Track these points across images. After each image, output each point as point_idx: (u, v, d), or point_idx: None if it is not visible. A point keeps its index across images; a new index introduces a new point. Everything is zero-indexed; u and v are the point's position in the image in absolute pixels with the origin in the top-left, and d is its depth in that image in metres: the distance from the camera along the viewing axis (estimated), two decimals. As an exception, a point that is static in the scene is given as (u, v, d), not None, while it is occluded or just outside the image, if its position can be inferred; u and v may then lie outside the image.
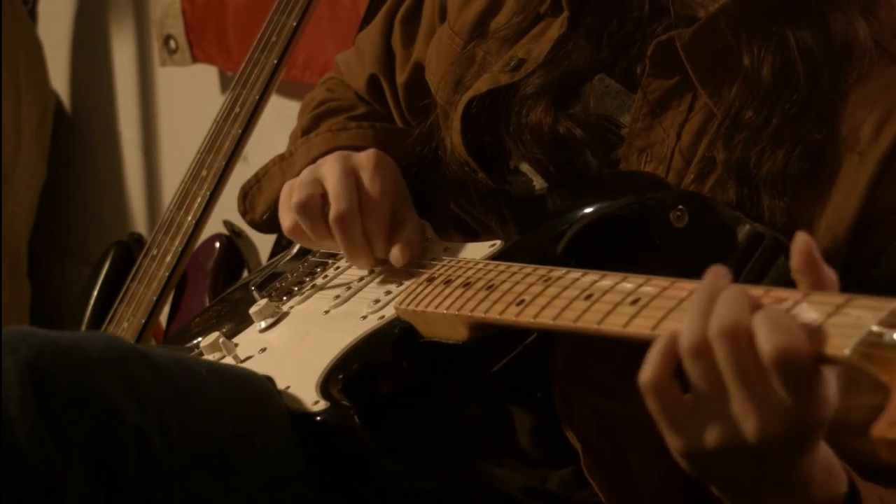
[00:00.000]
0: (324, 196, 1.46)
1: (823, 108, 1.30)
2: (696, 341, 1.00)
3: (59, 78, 3.31)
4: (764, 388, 0.98)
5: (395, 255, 1.45)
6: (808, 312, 0.96)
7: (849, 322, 0.93)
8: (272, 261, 1.74)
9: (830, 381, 0.99)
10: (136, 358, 1.24)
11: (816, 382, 0.98)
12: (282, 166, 1.62)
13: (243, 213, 1.68)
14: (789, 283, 1.02)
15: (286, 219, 1.48)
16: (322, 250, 1.59)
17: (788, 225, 1.29)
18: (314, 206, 1.46)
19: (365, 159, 1.48)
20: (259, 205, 1.65)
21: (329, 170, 1.47)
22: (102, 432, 1.18)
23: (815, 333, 0.96)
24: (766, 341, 0.96)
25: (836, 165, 1.29)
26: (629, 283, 1.11)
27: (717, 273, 1.04)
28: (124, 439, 1.19)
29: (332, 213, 1.44)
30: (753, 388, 0.98)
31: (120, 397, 1.19)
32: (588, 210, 1.32)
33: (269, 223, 1.65)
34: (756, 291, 1.00)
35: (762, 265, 1.27)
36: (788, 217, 1.29)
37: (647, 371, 1.03)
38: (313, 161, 1.54)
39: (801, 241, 1.01)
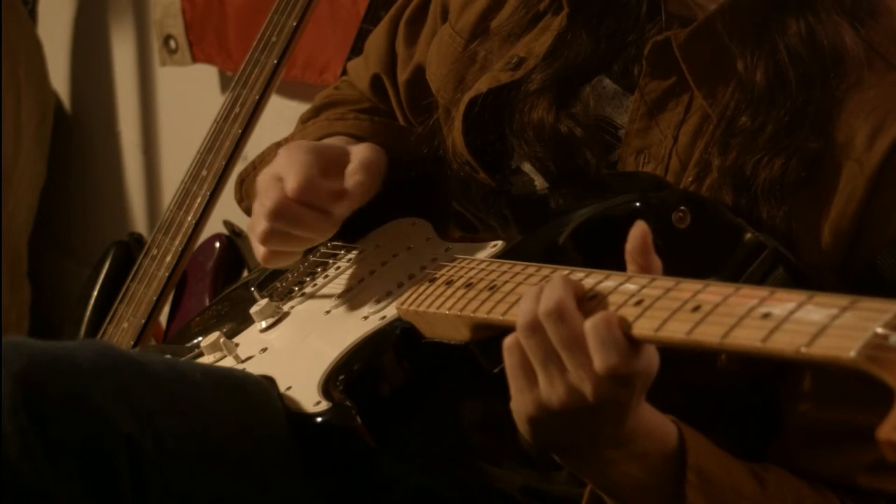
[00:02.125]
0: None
1: (818, 116, 1.30)
2: (527, 321, 1.12)
3: (59, 78, 3.31)
4: (587, 358, 1.10)
5: (349, 174, 1.45)
6: (813, 314, 0.96)
7: (853, 324, 0.93)
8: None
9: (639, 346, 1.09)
10: (127, 366, 1.24)
11: (630, 353, 1.09)
12: None
13: (239, 201, 1.69)
14: None
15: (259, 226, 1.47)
16: (322, 249, 1.59)
17: (790, 233, 1.29)
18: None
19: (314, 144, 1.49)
20: (254, 192, 1.65)
21: (280, 157, 1.47)
22: (94, 442, 1.18)
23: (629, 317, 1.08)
24: (596, 359, 1.08)
25: (835, 173, 1.29)
26: (633, 285, 1.11)
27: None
28: (116, 448, 1.19)
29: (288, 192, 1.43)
30: (581, 357, 1.10)
31: (112, 406, 1.20)
32: (589, 208, 1.33)
33: None
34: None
35: (761, 274, 1.27)
36: (789, 226, 1.29)
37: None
38: None
39: (639, 228, 1.12)
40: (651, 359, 1.10)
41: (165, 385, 1.26)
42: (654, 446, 1.19)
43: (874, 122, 1.29)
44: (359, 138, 1.57)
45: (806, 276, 1.27)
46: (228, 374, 1.39)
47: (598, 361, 1.08)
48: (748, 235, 1.28)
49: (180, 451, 1.23)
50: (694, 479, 1.20)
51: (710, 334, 1.02)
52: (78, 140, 3.35)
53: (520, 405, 1.15)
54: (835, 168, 1.29)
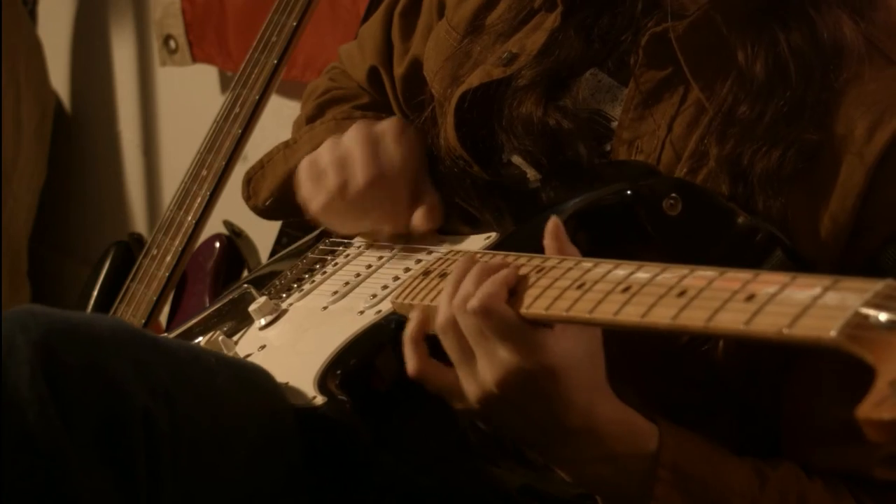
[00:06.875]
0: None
1: (817, 108, 1.30)
2: (444, 319, 1.18)
3: (59, 78, 3.32)
4: (489, 345, 1.15)
5: (419, 218, 1.48)
6: (795, 295, 0.96)
7: (835, 304, 0.92)
8: (272, 259, 1.74)
9: (540, 331, 1.14)
10: (146, 342, 1.25)
11: (523, 331, 1.13)
12: (286, 153, 1.64)
13: (247, 199, 1.69)
14: None
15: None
16: (320, 246, 1.60)
17: (786, 225, 1.29)
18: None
19: (388, 126, 1.51)
20: (262, 190, 1.66)
21: (352, 140, 1.49)
22: (111, 413, 1.18)
23: (520, 295, 1.14)
24: (474, 297, 1.15)
25: (834, 166, 1.28)
26: (621, 271, 1.11)
27: (469, 258, 1.21)
28: (132, 421, 1.19)
29: (361, 180, 1.47)
30: (485, 345, 1.15)
31: (129, 379, 1.20)
32: (580, 198, 1.32)
33: (271, 209, 1.67)
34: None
35: (757, 259, 1.27)
36: (785, 217, 1.29)
37: (409, 364, 1.22)
38: (316, 149, 1.55)
39: (552, 224, 1.19)
40: (555, 338, 1.14)
41: (182, 365, 1.27)
42: (626, 449, 1.20)
43: (873, 116, 1.28)
44: None
45: (804, 258, 1.27)
46: (240, 363, 1.40)
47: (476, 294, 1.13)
48: (741, 219, 1.27)
49: (192, 431, 1.24)
50: (668, 476, 1.21)
51: (694, 318, 1.01)
52: (78, 140, 3.35)
53: (467, 390, 1.20)
54: (834, 160, 1.28)
